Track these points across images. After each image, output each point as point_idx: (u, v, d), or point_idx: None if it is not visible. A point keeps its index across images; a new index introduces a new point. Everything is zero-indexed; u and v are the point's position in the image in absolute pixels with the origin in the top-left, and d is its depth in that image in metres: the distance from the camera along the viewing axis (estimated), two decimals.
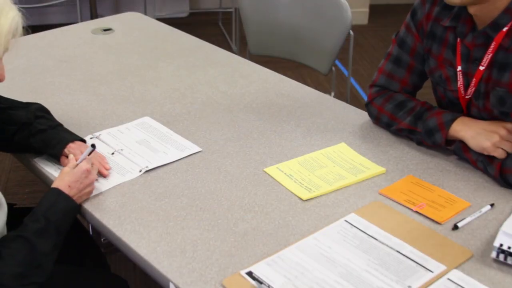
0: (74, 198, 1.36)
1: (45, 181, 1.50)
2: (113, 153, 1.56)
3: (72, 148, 1.50)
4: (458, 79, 1.54)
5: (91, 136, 1.63)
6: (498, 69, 1.45)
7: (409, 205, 1.39)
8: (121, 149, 1.58)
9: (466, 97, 1.54)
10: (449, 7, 1.53)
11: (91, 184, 1.40)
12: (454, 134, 1.52)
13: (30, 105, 1.59)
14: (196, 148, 1.59)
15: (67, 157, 1.48)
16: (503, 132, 1.45)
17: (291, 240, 1.28)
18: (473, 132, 1.49)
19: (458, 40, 1.52)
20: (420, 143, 1.60)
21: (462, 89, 1.54)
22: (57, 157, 1.51)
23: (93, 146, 1.46)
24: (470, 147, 1.50)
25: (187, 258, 1.23)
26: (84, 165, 1.40)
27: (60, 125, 1.58)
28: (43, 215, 1.30)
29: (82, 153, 1.47)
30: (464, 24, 1.49)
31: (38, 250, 1.26)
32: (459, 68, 1.53)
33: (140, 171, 1.50)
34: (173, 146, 1.60)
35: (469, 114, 1.57)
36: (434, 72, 1.60)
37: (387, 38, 4.57)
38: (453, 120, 1.52)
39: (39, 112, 1.57)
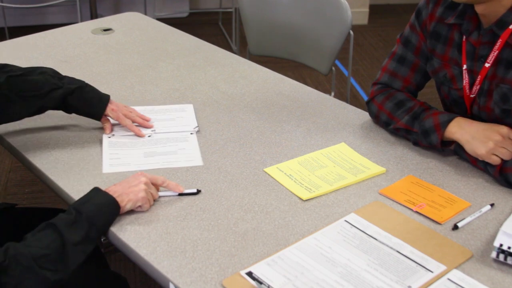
0: (115, 195, 1.31)
1: (45, 181, 1.50)
2: (149, 136, 1.65)
3: (112, 110, 1.62)
4: (464, 77, 1.54)
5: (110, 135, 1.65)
6: (504, 67, 1.45)
7: (409, 205, 1.39)
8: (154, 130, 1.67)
9: (471, 96, 1.54)
10: (452, 7, 1.53)
11: (138, 192, 1.34)
12: (449, 136, 1.52)
13: (40, 68, 1.61)
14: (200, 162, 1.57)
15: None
16: (497, 137, 1.44)
17: (291, 240, 1.28)
18: (468, 136, 1.48)
19: (464, 38, 1.52)
20: (416, 143, 1.60)
21: (467, 87, 1.54)
22: (99, 116, 1.63)
23: (198, 191, 1.44)
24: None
25: (187, 258, 1.23)
26: (143, 177, 1.37)
27: (85, 83, 1.64)
28: (74, 208, 1.27)
29: (121, 118, 1.62)
30: (469, 22, 1.50)
31: (65, 238, 1.21)
32: (464, 66, 1.53)
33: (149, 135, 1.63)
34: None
35: (471, 114, 1.57)
36: (439, 72, 1.60)
37: (387, 38, 4.57)
38: (449, 121, 1.52)
39: (58, 74, 1.61)
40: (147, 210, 1.36)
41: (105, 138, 1.62)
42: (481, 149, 1.45)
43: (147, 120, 1.68)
